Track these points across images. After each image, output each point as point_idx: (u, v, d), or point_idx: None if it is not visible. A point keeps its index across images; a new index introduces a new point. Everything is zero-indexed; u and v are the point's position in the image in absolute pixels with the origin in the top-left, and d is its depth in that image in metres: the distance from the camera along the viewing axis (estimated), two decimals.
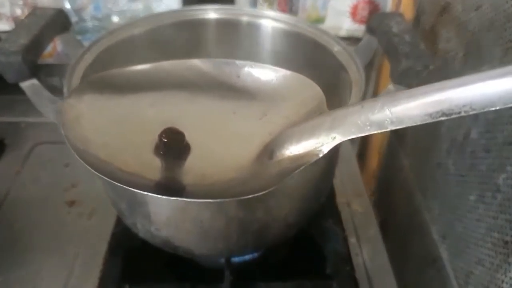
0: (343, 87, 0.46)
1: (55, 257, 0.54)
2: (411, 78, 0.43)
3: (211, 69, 0.43)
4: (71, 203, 0.61)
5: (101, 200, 0.58)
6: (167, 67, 0.43)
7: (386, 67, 0.74)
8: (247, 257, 0.51)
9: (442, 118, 0.25)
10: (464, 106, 0.24)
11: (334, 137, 0.31)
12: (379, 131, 0.29)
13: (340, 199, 0.62)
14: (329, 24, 0.78)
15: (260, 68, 0.42)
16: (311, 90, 0.40)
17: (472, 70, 0.50)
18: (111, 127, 0.38)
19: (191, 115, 0.40)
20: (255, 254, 0.52)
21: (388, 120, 0.27)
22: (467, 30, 0.51)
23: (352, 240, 0.57)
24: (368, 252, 0.55)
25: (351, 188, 0.64)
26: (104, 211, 0.58)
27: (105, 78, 0.41)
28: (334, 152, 0.46)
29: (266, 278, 0.50)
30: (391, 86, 0.43)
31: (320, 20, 0.78)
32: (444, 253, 0.55)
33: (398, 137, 0.75)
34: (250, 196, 0.30)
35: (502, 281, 0.43)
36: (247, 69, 0.42)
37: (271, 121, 0.39)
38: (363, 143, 0.84)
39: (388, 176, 0.78)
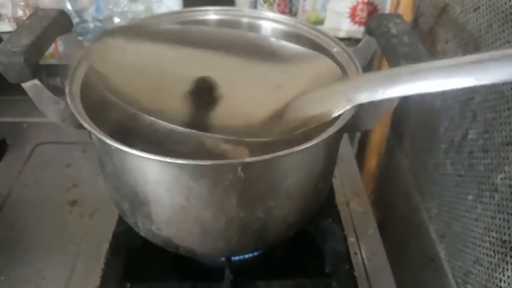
0: None
1: (57, 256, 0.54)
2: None
3: (238, 37, 0.46)
4: (73, 203, 0.61)
5: (103, 200, 0.58)
6: (195, 31, 0.47)
7: (385, 68, 0.74)
8: (247, 256, 0.52)
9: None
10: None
11: (349, 100, 0.34)
12: (392, 96, 0.32)
13: (339, 199, 0.62)
14: (328, 25, 0.78)
15: (283, 43, 0.46)
16: (327, 64, 0.43)
17: None
18: (136, 70, 0.40)
19: (214, 72, 0.43)
20: (255, 253, 0.52)
21: (400, 87, 0.32)
22: (466, 31, 0.51)
23: (351, 239, 0.57)
24: (367, 251, 0.56)
25: (350, 188, 0.64)
26: (106, 211, 0.58)
27: (137, 27, 0.44)
28: (334, 152, 0.46)
29: (266, 276, 0.50)
30: None
31: (319, 21, 0.78)
32: (442, 252, 0.55)
33: (397, 138, 0.75)
34: (264, 140, 0.35)
35: (500, 280, 0.43)
36: (272, 42, 0.46)
37: (285, 92, 0.42)
38: (362, 143, 0.84)
39: (387, 176, 0.78)
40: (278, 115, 0.38)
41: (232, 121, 0.39)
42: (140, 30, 0.44)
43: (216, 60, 0.44)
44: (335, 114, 0.34)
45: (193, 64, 0.43)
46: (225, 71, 0.43)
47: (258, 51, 0.45)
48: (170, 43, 0.43)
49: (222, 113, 0.39)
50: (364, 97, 0.34)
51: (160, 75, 0.40)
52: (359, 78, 0.36)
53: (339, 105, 0.35)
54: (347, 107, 0.33)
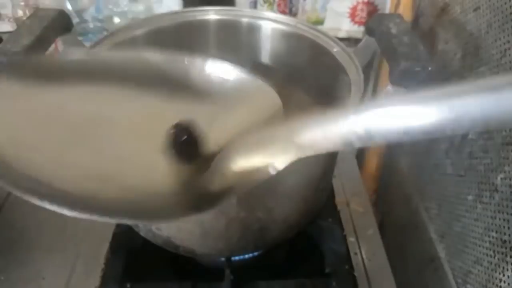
0: (342, 88, 0.46)
1: (57, 256, 0.54)
2: (410, 79, 0.43)
3: (159, 63, 0.37)
4: None
5: None
6: (107, 59, 0.37)
7: (385, 68, 0.74)
8: (248, 256, 0.51)
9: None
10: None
11: (291, 152, 0.26)
12: (343, 148, 0.23)
13: (339, 199, 0.62)
14: (328, 25, 0.78)
15: (213, 66, 0.36)
16: (269, 97, 0.35)
17: (470, 71, 0.50)
18: (35, 125, 0.30)
19: (129, 115, 0.34)
20: (256, 253, 0.52)
21: (356, 133, 0.22)
22: (466, 31, 0.51)
23: (351, 239, 0.57)
24: (367, 251, 0.56)
25: (351, 188, 0.64)
26: None
27: (29, 64, 0.34)
28: (334, 152, 0.46)
29: (266, 277, 0.50)
30: (389, 87, 0.43)
31: (319, 21, 0.78)
32: (442, 253, 0.55)
33: None
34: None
35: (500, 280, 0.43)
36: (198, 65, 0.37)
37: (220, 128, 0.33)
38: None
39: (387, 176, 0.78)
40: (195, 177, 0.30)
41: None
42: (34, 67, 0.33)
43: (131, 98, 0.35)
44: (279, 169, 0.26)
45: (97, 106, 0.33)
46: (141, 111, 0.35)
47: (186, 80, 0.37)
48: (71, 81, 0.34)
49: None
50: (311, 150, 0.25)
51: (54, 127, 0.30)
52: (305, 122, 0.25)
53: (282, 158, 0.26)
54: (290, 160, 0.26)
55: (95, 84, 0.34)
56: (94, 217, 0.24)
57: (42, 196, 0.24)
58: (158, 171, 0.30)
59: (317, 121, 0.24)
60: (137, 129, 0.33)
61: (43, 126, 0.30)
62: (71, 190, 0.26)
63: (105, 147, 0.31)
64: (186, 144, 0.31)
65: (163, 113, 0.35)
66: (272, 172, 0.26)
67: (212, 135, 0.33)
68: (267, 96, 0.35)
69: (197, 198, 0.29)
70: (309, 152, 0.25)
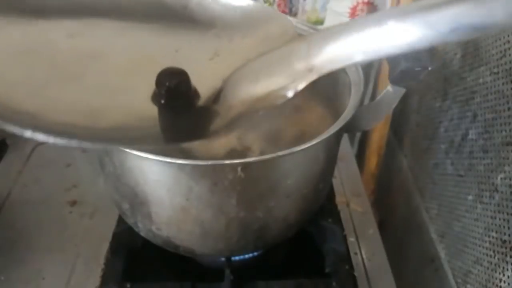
0: (342, 88, 0.46)
1: (57, 256, 0.54)
2: (410, 79, 0.42)
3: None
4: (73, 203, 0.61)
5: (103, 200, 0.58)
6: None
7: (385, 68, 0.75)
8: (247, 256, 0.52)
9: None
10: None
11: (311, 69, 0.23)
12: (366, 60, 0.21)
13: (339, 199, 0.62)
14: (328, 25, 0.78)
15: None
16: (280, 24, 0.31)
17: (470, 71, 0.50)
18: (22, 61, 0.28)
19: (120, 51, 0.31)
20: (255, 253, 0.52)
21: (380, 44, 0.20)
22: None
23: (351, 239, 0.57)
24: (367, 251, 0.56)
25: (351, 188, 0.64)
26: (106, 211, 0.58)
27: None
28: (334, 152, 0.46)
29: (266, 277, 0.50)
30: (389, 87, 0.43)
31: (319, 21, 0.78)
32: (442, 253, 0.55)
33: (397, 138, 0.75)
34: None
35: (500, 280, 0.43)
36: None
37: (224, 62, 0.30)
38: (362, 143, 0.84)
39: (387, 176, 0.78)
40: (213, 99, 0.28)
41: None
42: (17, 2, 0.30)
43: (124, 32, 0.32)
44: (297, 90, 0.23)
45: (87, 42, 0.30)
46: (137, 46, 0.32)
47: (184, 12, 0.33)
48: (57, 15, 0.31)
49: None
50: (333, 64, 0.22)
51: (40, 65, 0.28)
52: (322, 34, 0.22)
53: (301, 77, 0.23)
54: (309, 79, 0.23)
55: (84, 17, 0.32)
56: (77, 143, 0.23)
57: (25, 126, 0.23)
58: (146, 114, 0.28)
59: (339, 33, 0.22)
60: (129, 67, 0.31)
61: (29, 62, 0.28)
62: (58, 120, 0.24)
63: (94, 83, 0.29)
64: (174, 95, 0.28)
65: (158, 49, 0.32)
66: (290, 94, 0.24)
67: (216, 71, 0.29)
68: (279, 23, 0.31)
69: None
70: (329, 68, 0.22)
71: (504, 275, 0.42)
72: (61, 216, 0.59)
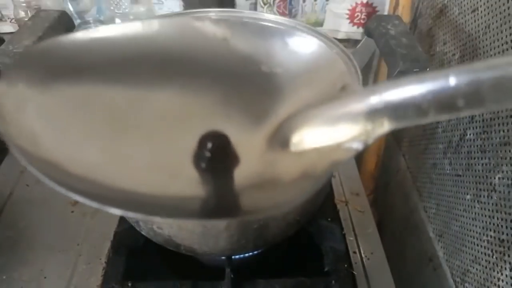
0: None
1: (59, 255, 0.54)
2: None
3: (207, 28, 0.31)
4: (75, 203, 0.61)
5: None
6: (142, 33, 0.30)
7: (384, 69, 0.75)
8: (248, 255, 0.52)
9: None
10: None
11: (382, 123, 0.21)
12: (447, 116, 0.19)
13: (338, 198, 0.62)
14: (327, 26, 0.78)
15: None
16: (339, 69, 0.29)
17: None
18: (74, 118, 0.26)
19: (161, 105, 0.29)
20: (256, 252, 0.52)
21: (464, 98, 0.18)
22: (464, 32, 0.51)
23: (350, 238, 0.57)
24: (365, 250, 0.56)
25: (350, 188, 0.64)
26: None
27: (51, 49, 0.28)
28: None
29: (266, 275, 0.50)
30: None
31: (319, 23, 0.78)
32: (440, 251, 0.56)
33: (396, 138, 0.76)
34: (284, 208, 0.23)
35: (498, 279, 0.43)
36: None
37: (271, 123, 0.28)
38: None
39: (386, 176, 0.78)
40: (279, 136, 0.26)
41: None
42: (58, 53, 0.28)
43: (170, 75, 0.30)
44: (368, 144, 0.22)
45: (140, 91, 0.29)
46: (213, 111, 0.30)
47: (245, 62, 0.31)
48: (103, 63, 0.29)
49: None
50: (408, 119, 0.20)
51: (104, 120, 0.27)
52: (396, 85, 0.20)
53: (373, 130, 0.21)
54: (385, 131, 0.21)
55: (127, 67, 0.30)
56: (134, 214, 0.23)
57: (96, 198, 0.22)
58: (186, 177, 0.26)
59: (414, 85, 0.20)
60: (175, 124, 0.29)
61: (77, 122, 0.27)
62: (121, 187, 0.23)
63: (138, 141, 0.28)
64: (215, 158, 0.27)
65: (206, 107, 0.30)
66: (360, 147, 0.22)
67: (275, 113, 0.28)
68: (338, 69, 0.30)
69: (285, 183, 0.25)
70: (406, 123, 0.20)
71: (502, 274, 0.43)
72: (63, 216, 0.59)
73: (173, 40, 0.31)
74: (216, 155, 0.26)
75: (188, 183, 0.25)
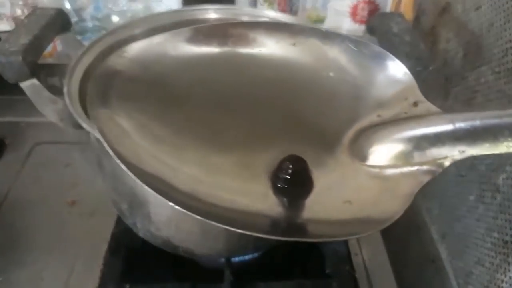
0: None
1: (56, 256, 0.54)
2: None
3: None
4: (72, 203, 0.61)
5: (102, 200, 0.58)
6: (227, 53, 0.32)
7: None
8: (247, 257, 0.52)
9: None
10: None
11: (463, 151, 0.24)
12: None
13: None
14: (329, 24, 0.78)
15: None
16: (411, 82, 0.31)
17: (471, 70, 0.50)
18: (172, 140, 0.28)
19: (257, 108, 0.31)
20: (255, 254, 0.52)
21: None
22: (467, 30, 0.51)
23: (351, 240, 0.57)
24: (367, 252, 0.56)
25: None
26: (105, 211, 0.57)
27: (132, 69, 0.31)
28: None
29: (266, 278, 0.50)
30: None
31: (320, 20, 0.78)
32: (443, 253, 0.55)
33: None
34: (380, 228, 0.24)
35: (502, 281, 0.43)
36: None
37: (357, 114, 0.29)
38: None
39: None
40: (357, 149, 0.27)
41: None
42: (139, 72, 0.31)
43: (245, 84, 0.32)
44: (446, 166, 0.24)
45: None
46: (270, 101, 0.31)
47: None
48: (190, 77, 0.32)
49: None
50: (486, 149, 0.23)
51: (199, 137, 0.29)
52: (480, 115, 0.22)
53: (453, 156, 0.24)
54: (464, 157, 0.23)
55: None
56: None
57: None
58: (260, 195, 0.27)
59: (495, 117, 0.21)
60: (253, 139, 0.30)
61: (191, 139, 0.29)
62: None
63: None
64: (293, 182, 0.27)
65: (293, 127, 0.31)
66: (441, 169, 0.24)
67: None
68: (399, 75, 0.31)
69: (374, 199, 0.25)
70: (484, 152, 0.23)
71: (506, 276, 0.42)
72: (60, 216, 0.59)
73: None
74: (293, 180, 0.27)
75: (261, 200, 0.26)
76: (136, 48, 0.33)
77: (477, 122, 0.21)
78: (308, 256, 0.55)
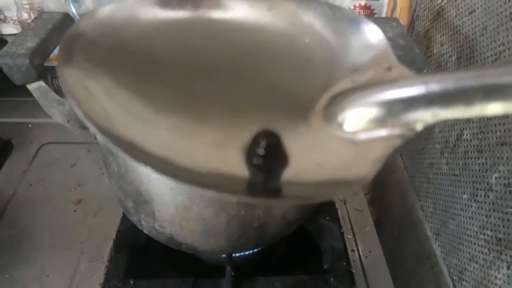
0: None
1: (61, 254, 0.55)
2: None
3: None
4: (77, 202, 0.62)
5: (107, 199, 0.59)
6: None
7: None
8: (248, 253, 0.52)
9: None
10: None
11: (436, 114, 0.22)
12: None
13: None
14: None
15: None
16: (386, 48, 0.30)
17: None
18: (143, 105, 0.27)
19: (228, 65, 0.30)
20: (256, 250, 0.52)
21: None
22: (461, 34, 0.52)
23: (348, 237, 0.58)
24: (364, 248, 0.56)
25: None
26: (110, 209, 0.58)
27: (100, 26, 0.29)
28: None
29: (266, 273, 0.51)
30: None
31: None
32: (438, 250, 0.56)
33: None
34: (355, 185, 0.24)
35: (496, 278, 0.43)
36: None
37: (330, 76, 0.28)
38: None
39: (383, 176, 0.78)
40: (332, 114, 0.26)
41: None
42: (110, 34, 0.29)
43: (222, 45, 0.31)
44: (418, 131, 0.23)
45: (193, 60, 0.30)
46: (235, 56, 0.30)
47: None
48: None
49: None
50: (458, 111, 0.20)
51: (170, 96, 0.28)
52: (454, 76, 0.20)
53: (424, 120, 0.22)
54: (437, 120, 0.22)
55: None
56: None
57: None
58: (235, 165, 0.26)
59: (469, 77, 0.20)
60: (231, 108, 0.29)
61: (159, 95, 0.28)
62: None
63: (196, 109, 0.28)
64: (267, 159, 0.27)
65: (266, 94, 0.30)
66: (409, 133, 0.23)
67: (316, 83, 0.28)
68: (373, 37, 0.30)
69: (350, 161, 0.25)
70: (456, 115, 0.21)
71: (499, 272, 0.43)
72: (65, 215, 0.60)
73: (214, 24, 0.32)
74: (267, 155, 0.27)
75: (236, 167, 0.26)
76: (105, 11, 0.30)
77: (450, 84, 0.20)
78: (306, 252, 0.56)
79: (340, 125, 0.26)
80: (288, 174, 0.25)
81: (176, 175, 0.23)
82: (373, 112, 0.24)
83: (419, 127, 0.23)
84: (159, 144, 0.25)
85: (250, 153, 0.27)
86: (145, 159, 0.23)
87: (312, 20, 0.32)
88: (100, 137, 0.23)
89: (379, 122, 0.24)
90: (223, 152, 0.26)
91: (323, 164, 0.25)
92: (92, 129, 0.24)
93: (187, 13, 0.33)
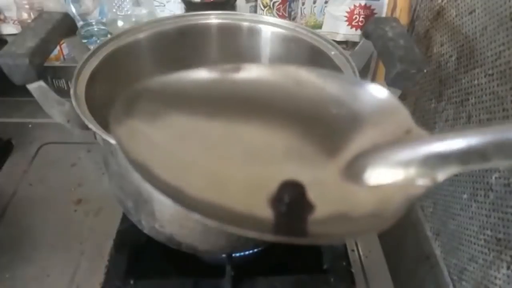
0: None
1: (62, 254, 0.55)
2: (405, 81, 0.43)
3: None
4: (78, 202, 0.62)
5: (107, 199, 0.59)
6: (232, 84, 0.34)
7: (382, 70, 0.75)
8: (248, 253, 0.52)
9: None
10: None
11: (450, 167, 0.24)
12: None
13: None
14: (326, 29, 0.79)
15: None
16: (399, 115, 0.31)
17: (465, 73, 0.51)
18: (179, 148, 0.29)
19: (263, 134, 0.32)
20: (256, 250, 0.53)
21: None
22: (461, 34, 0.52)
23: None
24: (363, 248, 0.57)
25: None
26: (110, 209, 0.59)
27: (152, 88, 0.32)
28: None
29: (266, 273, 0.51)
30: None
31: (317, 25, 0.79)
32: (437, 250, 0.56)
33: None
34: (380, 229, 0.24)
35: (495, 277, 0.43)
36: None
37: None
38: None
39: None
40: (354, 172, 0.28)
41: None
42: (159, 94, 0.32)
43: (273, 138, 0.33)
44: (437, 181, 0.25)
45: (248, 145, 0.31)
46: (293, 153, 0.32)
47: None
48: (207, 111, 0.33)
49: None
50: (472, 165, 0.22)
51: (210, 166, 0.29)
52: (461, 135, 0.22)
53: (442, 166, 0.24)
54: (456, 171, 0.24)
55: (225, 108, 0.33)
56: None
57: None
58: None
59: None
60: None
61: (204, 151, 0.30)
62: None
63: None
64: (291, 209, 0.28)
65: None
66: (430, 183, 0.24)
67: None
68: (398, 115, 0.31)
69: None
70: (469, 168, 0.23)
71: (499, 272, 0.43)
72: (66, 215, 0.60)
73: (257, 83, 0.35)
74: (292, 204, 0.28)
75: (262, 212, 0.27)
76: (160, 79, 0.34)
77: (463, 143, 0.22)
78: (306, 252, 0.55)
79: (363, 181, 0.27)
80: (313, 221, 0.27)
81: (221, 219, 0.24)
82: (397, 168, 0.26)
83: (441, 178, 0.25)
84: (196, 188, 0.27)
85: (276, 201, 0.28)
86: (185, 201, 0.25)
87: (336, 92, 0.34)
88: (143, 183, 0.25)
89: (404, 178, 0.26)
90: (251, 198, 0.28)
91: (349, 216, 0.27)
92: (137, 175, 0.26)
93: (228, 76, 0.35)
